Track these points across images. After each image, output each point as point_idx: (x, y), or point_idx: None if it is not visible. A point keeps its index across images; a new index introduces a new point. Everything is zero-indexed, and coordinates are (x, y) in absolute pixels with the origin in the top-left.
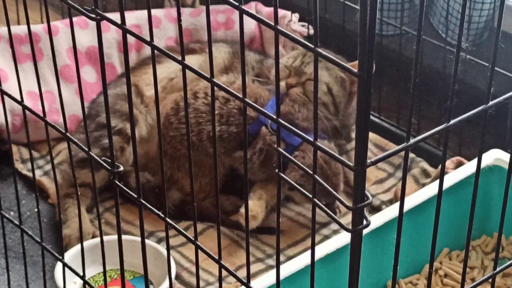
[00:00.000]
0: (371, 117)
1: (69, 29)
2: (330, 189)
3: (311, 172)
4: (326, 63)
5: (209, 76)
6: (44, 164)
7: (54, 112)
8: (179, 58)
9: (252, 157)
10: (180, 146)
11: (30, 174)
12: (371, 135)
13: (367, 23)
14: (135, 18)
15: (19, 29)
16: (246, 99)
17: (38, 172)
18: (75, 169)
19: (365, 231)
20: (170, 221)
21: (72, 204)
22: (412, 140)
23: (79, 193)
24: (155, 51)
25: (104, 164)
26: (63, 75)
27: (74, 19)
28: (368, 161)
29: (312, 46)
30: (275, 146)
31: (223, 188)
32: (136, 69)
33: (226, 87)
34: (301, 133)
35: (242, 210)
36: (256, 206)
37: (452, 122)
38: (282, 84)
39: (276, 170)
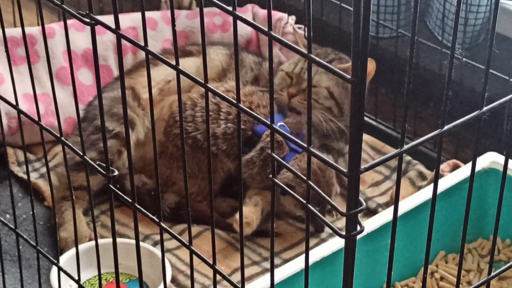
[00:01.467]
0: (368, 119)
1: None
2: (324, 195)
3: (305, 178)
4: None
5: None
6: (40, 167)
7: (51, 115)
8: (174, 62)
9: (252, 158)
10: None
11: (26, 177)
12: (368, 137)
13: (361, 28)
14: (131, 20)
15: (15, 31)
16: (240, 105)
17: (34, 175)
18: (72, 172)
19: (360, 235)
20: (165, 226)
21: (69, 207)
22: (406, 146)
23: (76, 196)
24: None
25: (99, 168)
26: (60, 77)
27: (71, 21)
28: (362, 166)
29: (306, 52)
30: (270, 152)
31: (220, 191)
32: (133, 71)
33: (220, 93)
34: (294, 138)
35: (237, 216)
36: (251, 213)
37: (446, 128)
38: (284, 94)
39: (270, 176)
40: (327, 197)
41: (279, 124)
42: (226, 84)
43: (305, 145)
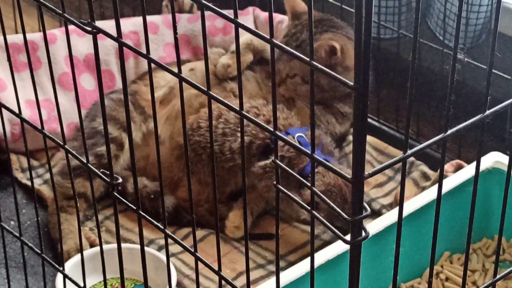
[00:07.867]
0: (370, 120)
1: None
2: (332, 204)
3: (310, 185)
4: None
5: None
6: (43, 173)
7: (53, 120)
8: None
9: (266, 165)
10: (201, 151)
11: (29, 183)
12: (371, 138)
13: (363, 35)
14: (133, 24)
15: (17, 38)
16: (243, 112)
17: (37, 181)
18: (68, 179)
19: None
20: (170, 233)
21: (65, 220)
22: (409, 151)
23: (72, 204)
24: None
25: (103, 176)
26: (62, 83)
27: (72, 27)
28: (366, 173)
29: (308, 59)
30: (277, 160)
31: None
32: (144, 75)
33: (224, 101)
34: (298, 145)
35: (226, 222)
36: (237, 216)
37: (449, 132)
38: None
39: (274, 182)
40: (336, 207)
41: (297, 135)
42: (254, 101)
43: (309, 152)
